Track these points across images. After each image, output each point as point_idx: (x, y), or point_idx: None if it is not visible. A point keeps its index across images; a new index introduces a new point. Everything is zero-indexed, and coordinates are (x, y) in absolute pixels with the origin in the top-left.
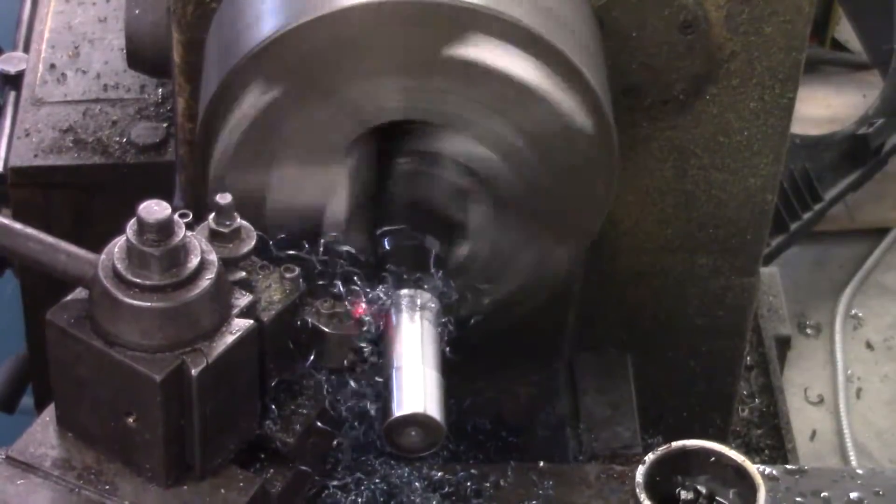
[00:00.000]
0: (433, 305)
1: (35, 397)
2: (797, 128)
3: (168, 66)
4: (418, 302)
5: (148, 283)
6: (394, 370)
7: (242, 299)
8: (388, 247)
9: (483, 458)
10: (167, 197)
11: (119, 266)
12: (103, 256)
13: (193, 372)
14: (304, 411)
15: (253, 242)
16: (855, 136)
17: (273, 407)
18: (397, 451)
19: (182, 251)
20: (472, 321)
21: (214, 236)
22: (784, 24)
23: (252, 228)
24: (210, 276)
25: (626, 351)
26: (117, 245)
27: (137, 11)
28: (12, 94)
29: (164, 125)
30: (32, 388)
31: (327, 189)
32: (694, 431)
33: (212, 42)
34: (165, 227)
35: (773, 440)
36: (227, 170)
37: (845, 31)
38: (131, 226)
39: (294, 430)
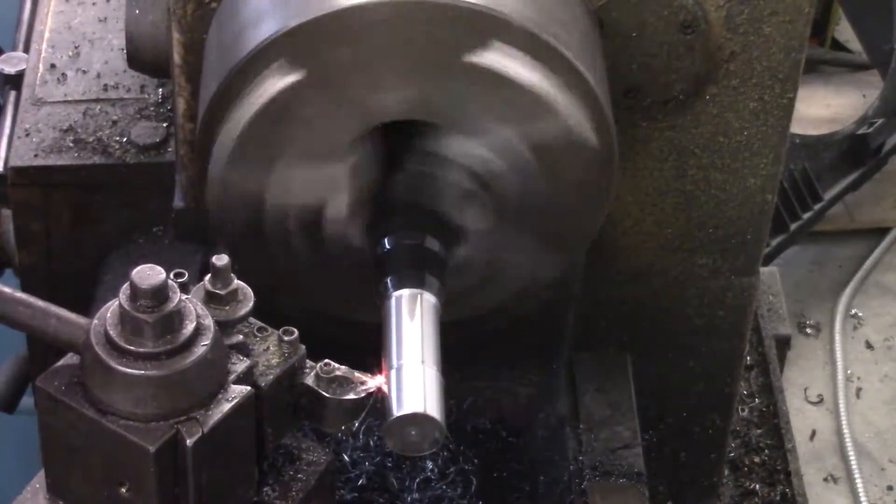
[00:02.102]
0: (433, 304)
1: (35, 397)
2: (797, 128)
3: (168, 66)
4: (418, 301)
5: (141, 350)
6: (393, 369)
7: (239, 364)
8: (388, 245)
9: (483, 458)
10: (168, 197)
11: (111, 332)
12: (95, 321)
13: (188, 442)
14: (303, 476)
15: (251, 304)
16: (855, 136)
17: (271, 472)
18: (397, 451)
19: (177, 317)
20: (471, 320)
21: (210, 298)
22: (784, 25)
23: (249, 289)
24: (206, 343)
25: (625, 351)
26: (109, 310)
27: (137, 11)
28: (12, 94)
29: (165, 125)
30: (33, 388)
31: (329, 186)
32: (693, 431)
33: (212, 42)
34: (160, 293)
35: (772, 440)
36: (228, 166)
37: (845, 31)
38: (124, 291)
39: (293, 497)
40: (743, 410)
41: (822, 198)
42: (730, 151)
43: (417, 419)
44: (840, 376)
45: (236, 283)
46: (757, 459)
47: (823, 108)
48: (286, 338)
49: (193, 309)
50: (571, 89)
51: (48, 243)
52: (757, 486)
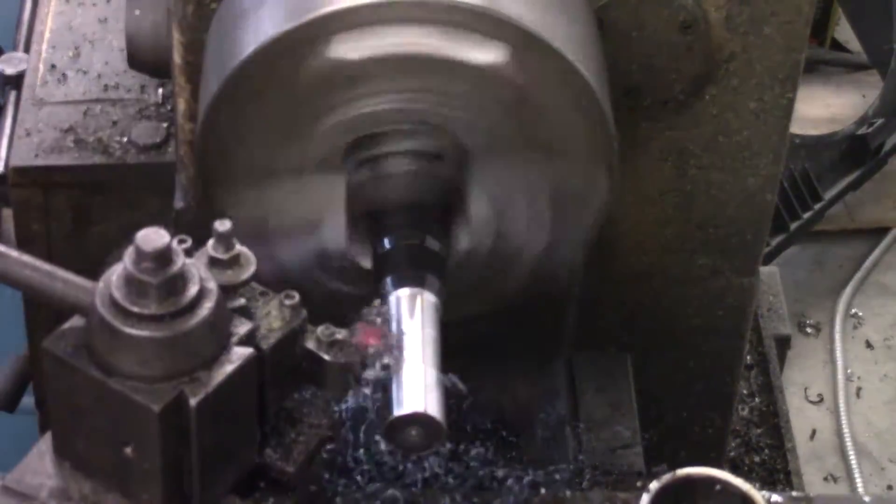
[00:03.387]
0: (433, 303)
1: (35, 397)
2: (797, 128)
3: (168, 66)
4: (418, 301)
5: (146, 312)
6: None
7: (242, 327)
8: (388, 245)
9: (483, 458)
10: (168, 197)
11: (116, 294)
12: (101, 284)
13: (192, 402)
14: (305, 439)
15: (252, 269)
16: (855, 136)
17: (273, 435)
18: (397, 451)
19: (180, 280)
20: (471, 320)
21: (213, 263)
22: (784, 25)
23: (251, 254)
24: (209, 305)
25: (625, 351)
26: (115, 273)
27: (137, 12)
28: (13, 95)
29: (165, 125)
30: (33, 387)
31: (325, 200)
32: (693, 431)
33: (212, 42)
34: (164, 256)
35: (772, 439)
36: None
37: (845, 31)
38: (129, 254)
39: (294, 459)
40: (743, 410)
41: (822, 198)
42: (730, 151)
43: (418, 419)
44: (840, 376)
45: (238, 248)
46: (757, 459)
47: (823, 108)
48: (287, 301)
49: (197, 272)
50: (569, 86)
51: (48, 243)
52: (757, 486)
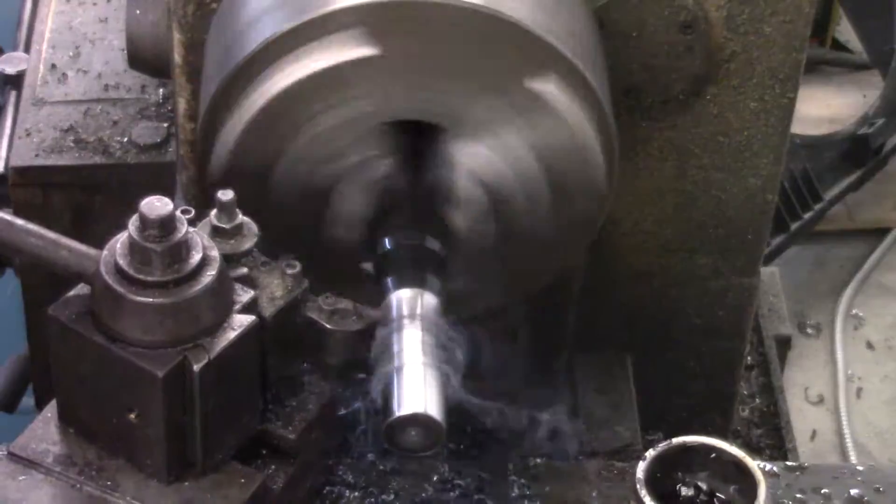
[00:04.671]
0: (433, 304)
1: (35, 397)
2: (797, 128)
3: (168, 66)
4: (419, 301)
5: (150, 279)
6: (394, 370)
7: (244, 295)
8: (389, 245)
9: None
10: (168, 197)
11: (121, 262)
12: (105, 252)
13: (195, 368)
14: (308, 406)
15: (255, 239)
16: (855, 136)
17: (275, 403)
18: (398, 451)
19: (184, 247)
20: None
21: (216, 233)
22: (784, 24)
23: (253, 224)
24: (212, 273)
25: (625, 351)
26: (119, 241)
27: (138, 12)
28: (13, 94)
29: (165, 125)
30: (33, 388)
31: (332, 185)
32: (694, 431)
33: (212, 42)
34: (167, 224)
35: (773, 440)
36: (229, 165)
37: (845, 31)
38: (133, 222)
39: (296, 426)
40: (743, 410)
41: (822, 198)
42: (730, 151)
43: (418, 419)
44: (840, 376)
45: (241, 217)
46: (757, 459)
47: (823, 108)
48: (289, 271)
49: (200, 240)
50: (574, 90)
51: None
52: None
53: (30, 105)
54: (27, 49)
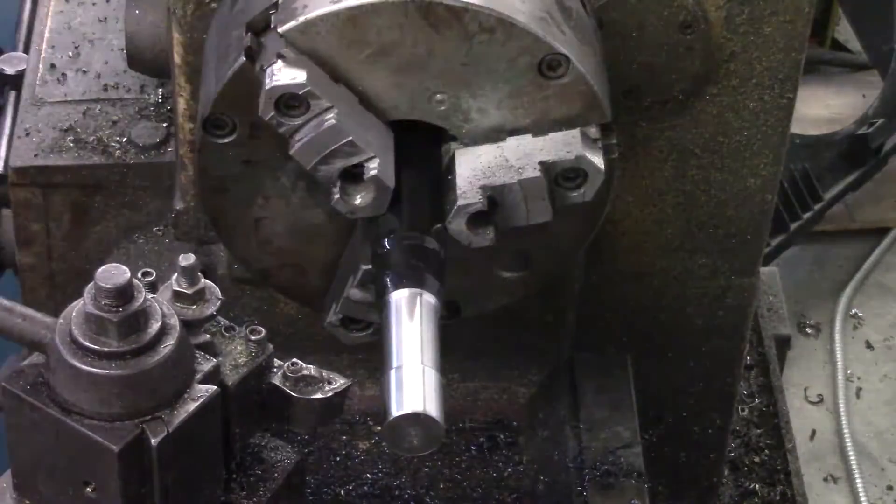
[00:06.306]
0: (432, 304)
1: None
2: (797, 128)
3: (168, 66)
4: (417, 300)
5: (106, 349)
6: (393, 369)
7: (206, 364)
8: (388, 245)
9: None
10: (168, 197)
11: (76, 332)
12: (61, 321)
13: (153, 441)
14: (273, 475)
15: (218, 303)
16: (855, 136)
17: (239, 471)
18: (397, 451)
19: (142, 316)
20: (471, 320)
21: (178, 297)
22: (784, 25)
23: (216, 288)
24: (171, 342)
25: (625, 351)
26: (75, 309)
27: (137, 11)
28: (12, 94)
29: (165, 125)
30: None
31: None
32: (693, 431)
33: (212, 42)
34: (124, 293)
35: (772, 440)
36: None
37: (845, 31)
38: (88, 290)
39: (260, 496)
40: (743, 410)
41: (822, 198)
42: (730, 151)
43: (417, 419)
44: (840, 376)
45: (203, 282)
46: (757, 459)
47: (823, 108)
48: (253, 337)
49: (159, 308)
50: (574, 90)
51: (48, 243)
52: (757, 486)
53: (29, 105)
54: (26, 49)
